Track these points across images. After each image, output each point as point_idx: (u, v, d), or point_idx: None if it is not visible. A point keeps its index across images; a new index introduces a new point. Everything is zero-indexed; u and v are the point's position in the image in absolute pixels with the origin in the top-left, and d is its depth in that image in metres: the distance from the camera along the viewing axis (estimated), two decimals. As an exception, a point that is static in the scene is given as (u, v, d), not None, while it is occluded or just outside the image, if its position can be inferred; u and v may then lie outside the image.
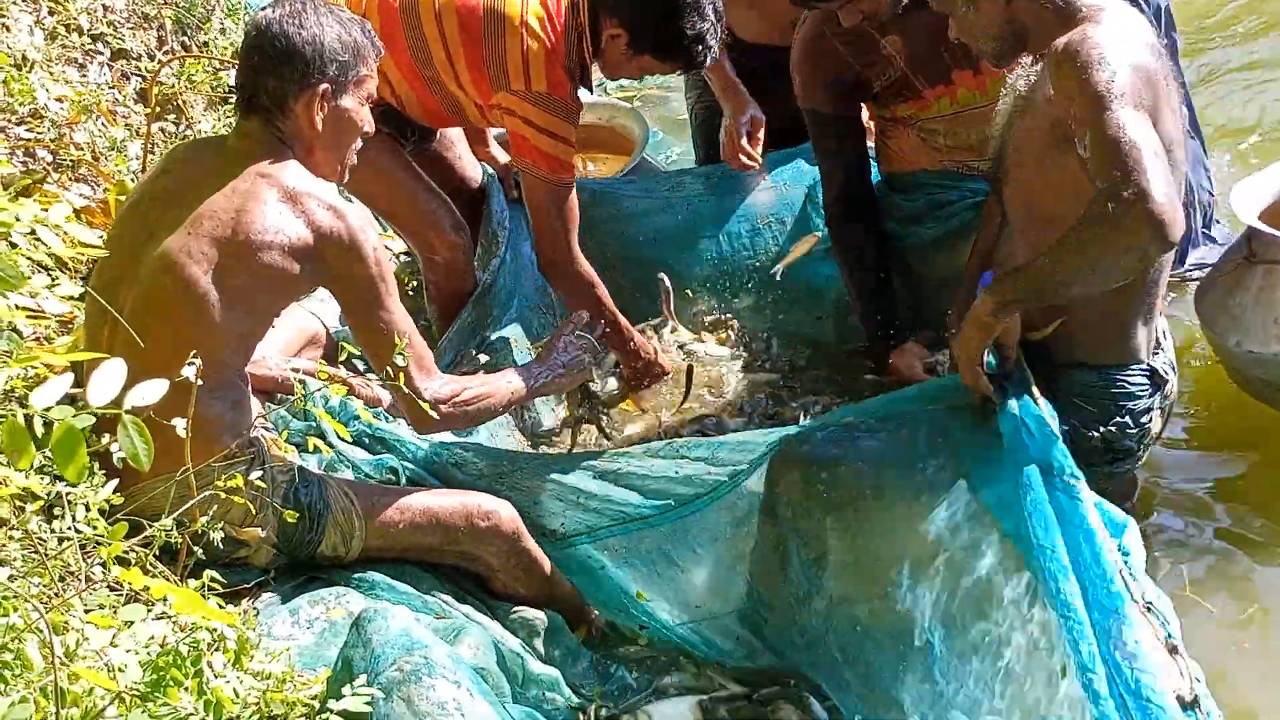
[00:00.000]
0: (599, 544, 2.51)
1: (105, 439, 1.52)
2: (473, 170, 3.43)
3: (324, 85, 2.17)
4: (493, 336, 3.14)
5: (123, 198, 2.95)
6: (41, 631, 1.44)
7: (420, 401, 2.24)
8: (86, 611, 1.61)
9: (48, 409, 1.29)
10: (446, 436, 2.63)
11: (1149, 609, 1.76)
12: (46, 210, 1.58)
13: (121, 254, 2.16)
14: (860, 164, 3.02)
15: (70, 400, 1.41)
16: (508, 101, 2.88)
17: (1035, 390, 2.18)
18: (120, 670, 1.42)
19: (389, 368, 2.16)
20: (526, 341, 3.19)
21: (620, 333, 3.06)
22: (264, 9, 2.23)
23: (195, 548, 1.95)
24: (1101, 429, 2.30)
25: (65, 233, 1.62)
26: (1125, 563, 1.85)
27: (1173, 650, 1.71)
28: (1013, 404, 2.13)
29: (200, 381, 1.80)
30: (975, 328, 2.12)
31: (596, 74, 3.10)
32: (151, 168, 2.42)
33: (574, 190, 2.97)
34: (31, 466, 1.56)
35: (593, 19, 2.89)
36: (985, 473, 2.16)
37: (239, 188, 2.11)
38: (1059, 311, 2.28)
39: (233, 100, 3.71)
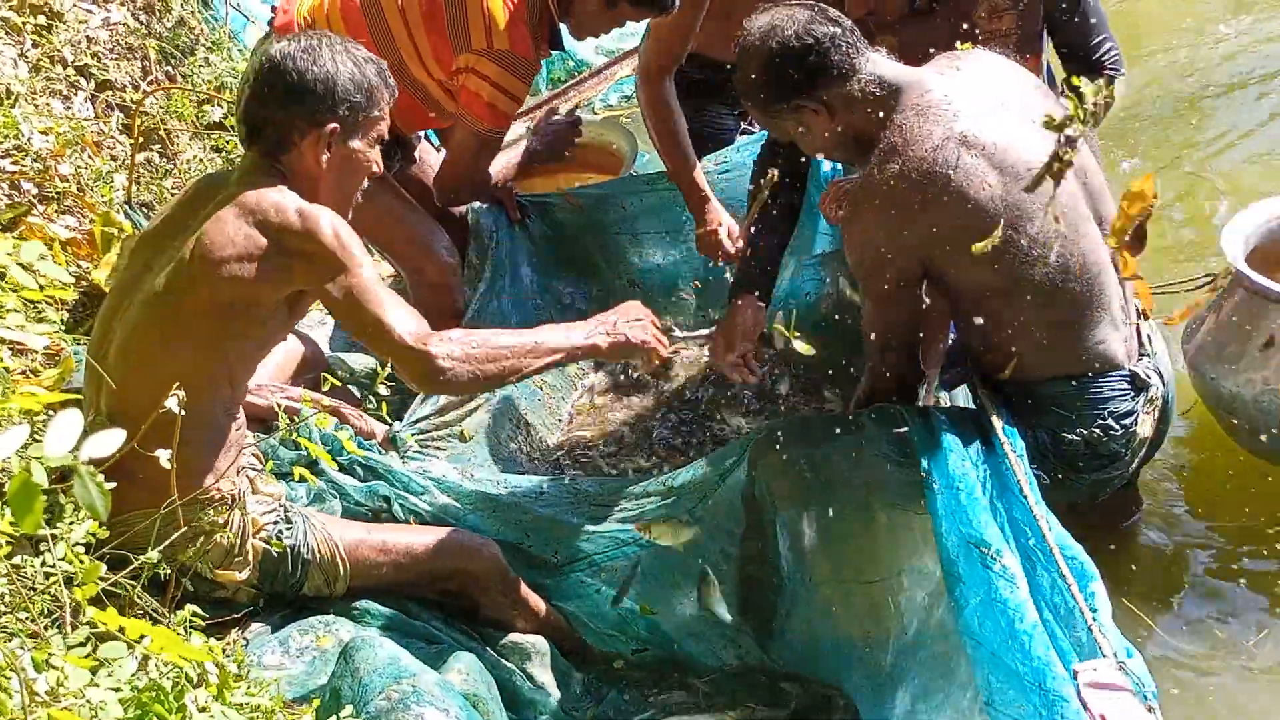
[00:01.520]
0: (595, 569, 2.51)
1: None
2: None
3: (332, 124, 2.12)
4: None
5: (108, 229, 2.95)
6: (24, 670, 1.44)
7: (426, 356, 2.10)
8: (69, 649, 1.60)
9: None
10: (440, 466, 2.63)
11: (1121, 667, 1.74)
12: (18, 248, 1.57)
13: (122, 285, 2.14)
14: None
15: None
16: (468, 61, 2.89)
17: (995, 421, 2.22)
18: (100, 708, 1.41)
19: (382, 337, 2.09)
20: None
21: None
22: (280, 42, 2.17)
23: (183, 578, 1.94)
24: (1082, 431, 2.30)
25: (37, 271, 1.61)
26: (1094, 617, 1.83)
27: (1149, 710, 1.69)
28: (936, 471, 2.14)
29: (182, 412, 1.79)
30: None
31: (588, 93, 3.08)
32: (175, 197, 2.36)
33: (500, 138, 3.05)
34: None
35: None
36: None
37: (214, 216, 2.06)
38: (1007, 354, 2.33)
39: (215, 131, 3.72)
